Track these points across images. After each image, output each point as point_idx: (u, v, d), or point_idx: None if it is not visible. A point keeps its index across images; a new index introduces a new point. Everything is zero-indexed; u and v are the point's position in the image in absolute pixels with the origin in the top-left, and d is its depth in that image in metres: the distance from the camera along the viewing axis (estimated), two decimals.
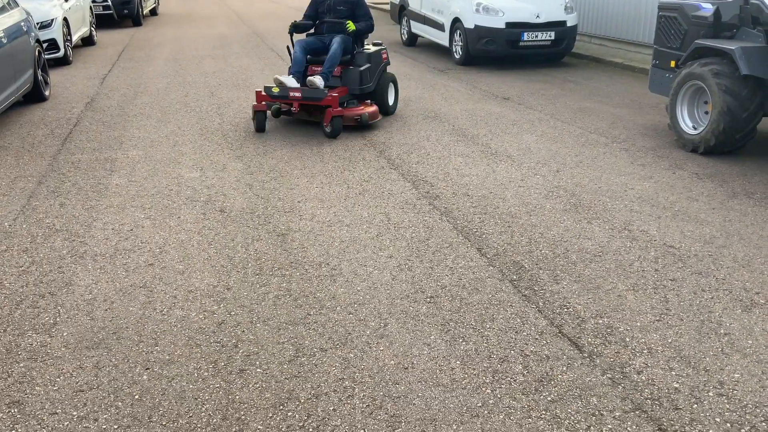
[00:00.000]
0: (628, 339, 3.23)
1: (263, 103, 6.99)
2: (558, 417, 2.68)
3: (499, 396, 2.81)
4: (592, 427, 2.61)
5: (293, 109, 7.06)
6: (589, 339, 3.23)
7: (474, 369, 3.00)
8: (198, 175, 5.75)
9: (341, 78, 7.19)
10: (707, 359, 3.06)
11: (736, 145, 6.04)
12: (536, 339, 3.24)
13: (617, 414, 2.69)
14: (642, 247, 4.24)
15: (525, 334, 3.28)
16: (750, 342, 3.19)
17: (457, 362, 3.05)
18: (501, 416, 2.68)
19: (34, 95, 8.43)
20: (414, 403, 2.76)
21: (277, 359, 3.08)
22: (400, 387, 2.87)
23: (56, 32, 10.91)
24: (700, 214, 4.80)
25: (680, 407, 2.73)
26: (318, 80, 6.74)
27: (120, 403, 2.77)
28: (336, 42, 6.92)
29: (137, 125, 7.46)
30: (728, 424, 2.63)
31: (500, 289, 3.73)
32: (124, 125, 7.46)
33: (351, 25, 7.03)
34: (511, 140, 6.80)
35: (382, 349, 3.16)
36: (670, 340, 3.21)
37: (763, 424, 2.62)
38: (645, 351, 3.12)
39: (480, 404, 2.76)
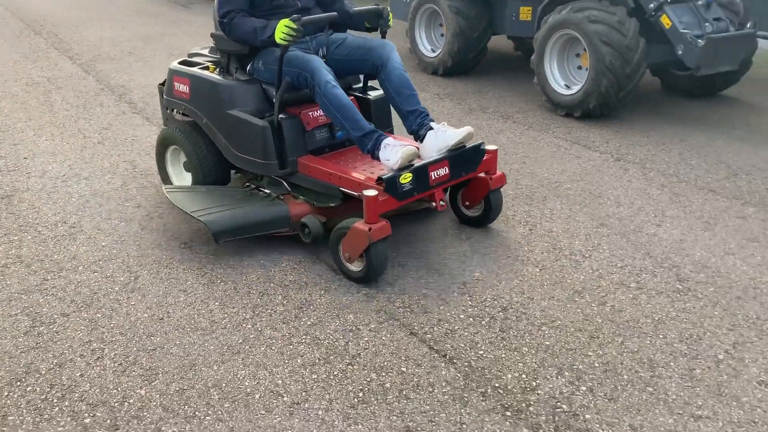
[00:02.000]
0: None
1: (382, 222, 3.04)
2: (318, 338, 2.76)
3: (260, 329, 2.82)
4: (350, 342, 2.74)
5: (439, 204, 3.29)
6: None
7: (233, 307, 2.97)
8: None
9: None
10: (451, 263, 3.34)
11: (470, 64, 6.54)
12: (295, 269, 3.28)
13: (372, 326, 2.84)
14: None
15: (284, 265, 3.31)
16: (488, 242, 3.53)
17: (216, 303, 3.00)
18: (262, 348, 2.70)
19: None
20: (171, 353, 2.68)
21: (9, 333, 2.79)
22: (156, 339, 2.76)
23: None
24: None
25: (429, 310, 2.95)
26: (465, 129, 3.30)
27: None
28: (392, 49, 3.46)
29: None
30: (471, 319, 2.90)
31: None
32: None
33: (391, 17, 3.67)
34: None
35: (133, 303, 3.00)
36: (417, 251, 3.44)
37: (501, 313, 2.94)
38: (396, 264, 3.32)
39: (241, 341, 2.75)
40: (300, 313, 2.94)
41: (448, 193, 3.71)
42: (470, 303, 3.01)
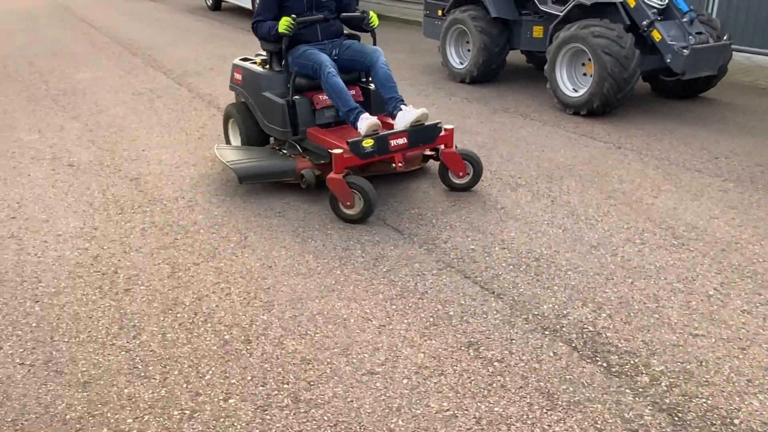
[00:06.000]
0: (434, 221, 3.64)
1: (346, 173, 3.57)
2: (393, 281, 3.01)
3: (347, 274, 3.08)
4: (418, 284, 2.98)
5: (397, 165, 3.75)
6: (407, 225, 3.59)
7: (324, 258, 3.23)
8: (37, 137, 5.25)
9: (364, 103, 4.14)
10: (491, 226, 3.56)
11: (492, 74, 6.72)
12: (368, 230, 3.53)
13: (434, 272, 3.09)
14: None
15: (359, 228, 3.56)
16: (518, 211, 3.75)
17: (310, 256, 3.26)
18: (351, 287, 2.96)
19: None
20: (282, 290, 2.94)
21: (156, 277, 3.08)
22: (268, 281, 3.03)
23: None
24: (473, 127, 5.37)
25: (477, 261, 3.19)
26: (420, 110, 3.72)
27: (20, 332, 2.64)
28: (380, 54, 3.96)
29: None
30: (511, 266, 3.13)
31: None
32: None
33: (374, 19, 4.13)
34: None
35: (246, 256, 3.27)
36: (464, 217, 3.67)
37: (534, 262, 3.16)
38: (447, 227, 3.55)
39: (333, 282, 3.01)
40: (377, 262, 3.19)
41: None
42: (509, 255, 3.24)
